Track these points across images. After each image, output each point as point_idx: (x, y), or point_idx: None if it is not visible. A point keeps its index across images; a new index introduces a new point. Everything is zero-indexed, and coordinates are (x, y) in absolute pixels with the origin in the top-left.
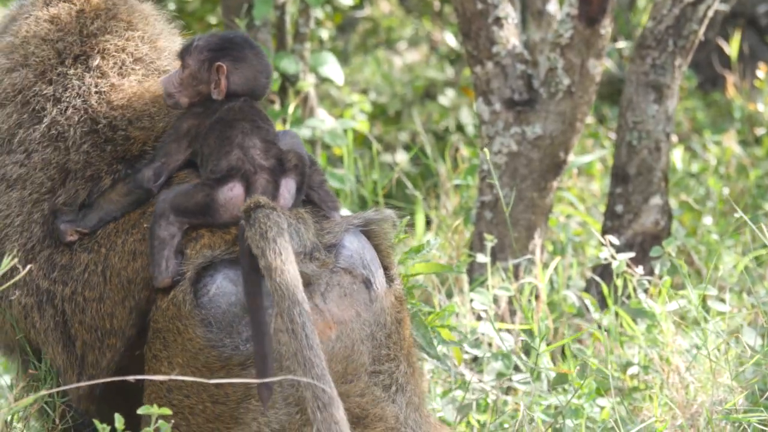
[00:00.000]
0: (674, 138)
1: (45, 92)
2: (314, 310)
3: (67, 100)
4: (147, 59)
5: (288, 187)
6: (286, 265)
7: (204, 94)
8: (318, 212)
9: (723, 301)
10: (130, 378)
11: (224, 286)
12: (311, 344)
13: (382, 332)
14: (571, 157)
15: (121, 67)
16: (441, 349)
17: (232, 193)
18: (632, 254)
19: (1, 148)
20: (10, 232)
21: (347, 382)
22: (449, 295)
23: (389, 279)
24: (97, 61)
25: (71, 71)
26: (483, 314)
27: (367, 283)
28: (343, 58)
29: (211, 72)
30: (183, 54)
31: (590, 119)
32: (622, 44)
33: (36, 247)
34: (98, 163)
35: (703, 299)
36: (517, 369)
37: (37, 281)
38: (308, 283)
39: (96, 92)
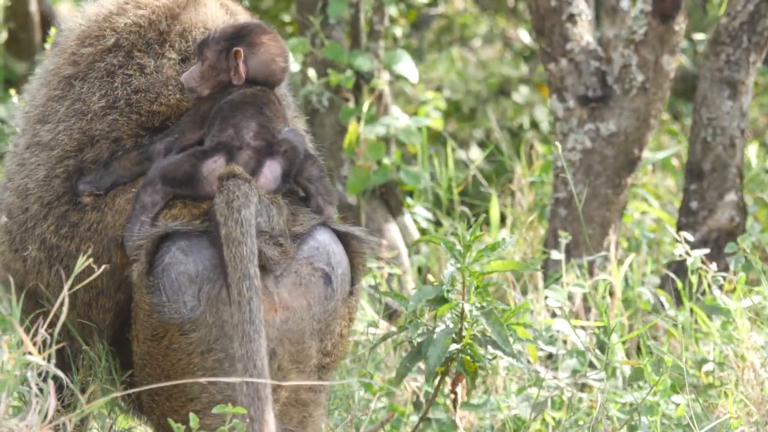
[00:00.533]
0: (749, 134)
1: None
2: (264, 290)
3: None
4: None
5: (271, 168)
6: (245, 237)
7: (225, 83)
8: (299, 204)
9: None
10: (202, 380)
11: (177, 257)
12: (253, 319)
13: (329, 340)
14: (646, 154)
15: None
16: (516, 346)
17: (215, 165)
18: (707, 251)
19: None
20: (32, 185)
21: (299, 368)
22: (524, 292)
23: (351, 292)
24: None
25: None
26: (558, 311)
27: (327, 279)
28: (418, 55)
29: (229, 59)
30: (201, 47)
31: (665, 115)
32: (700, 36)
33: (54, 202)
34: (123, 128)
35: None
36: (591, 366)
37: (48, 236)
38: (263, 264)
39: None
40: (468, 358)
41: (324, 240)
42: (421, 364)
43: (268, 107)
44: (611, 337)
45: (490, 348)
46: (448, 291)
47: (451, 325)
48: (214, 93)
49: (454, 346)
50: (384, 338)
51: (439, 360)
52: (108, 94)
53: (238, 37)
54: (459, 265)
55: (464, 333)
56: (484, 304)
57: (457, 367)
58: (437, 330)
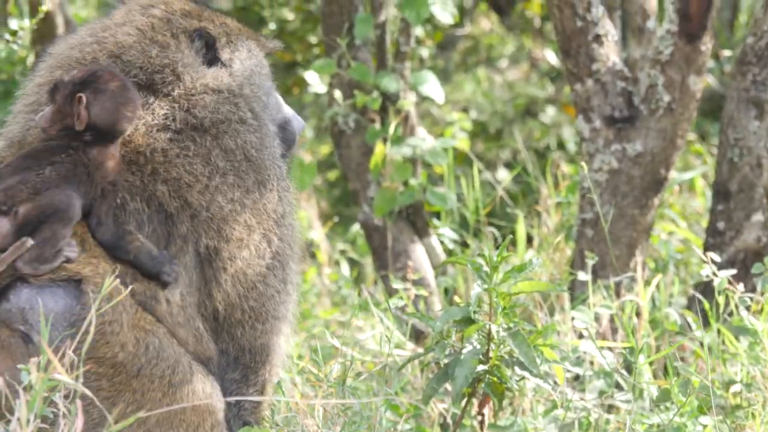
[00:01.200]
0: None
1: None
2: None
3: None
4: None
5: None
6: None
7: (70, 127)
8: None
9: None
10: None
11: None
12: None
13: None
14: (672, 174)
15: None
16: (543, 367)
17: None
18: (734, 271)
19: None
20: None
21: None
22: (551, 313)
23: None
24: None
25: None
26: (584, 332)
27: (26, 339)
28: (444, 76)
29: (73, 104)
30: (52, 91)
31: (691, 135)
32: (727, 53)
33: None
34: None
35: None
36: (618, 387)
37: None
38: None
39: None
40: (495, 379)
41: (17, 298)
42: (448, 386)
43: (47, 158)
44: (638, 358)
45: (517, 369)
46: (475, 312)
47: (478, 346)
48: (61, 135)
49: (481, 367)
50: (411, 359)
51: (466, 381)
52: None
53: (84, 82)
54: (486, 286)
55: (491, 354)
56: (511, 325)
57: (484, 389)
58: (464, 351)
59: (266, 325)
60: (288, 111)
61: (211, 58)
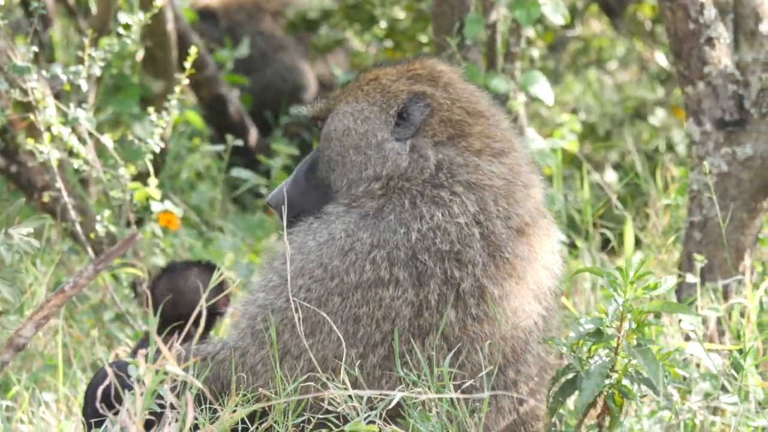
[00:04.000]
0: None
1: None
2: None
3: None
4: None
5: None
6: None
7: None
8: None
9: None
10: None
11: None
12: None
13: None
14: None
15: None
16: (669, 389)
17: None
18: None
19: None
20: None
21: None
22: (657, 315)
23: None
24: None
25: None
26: (692, 335)
27: None
28: (554, 77)
29: None
30: None
31: None
32: None
33: None
34: None
35: None
36: (724, 390)
37: None
38: None
39: None
40: (618, 393)
41: None
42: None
43: None
44: (745, 360)
45: (643, 386)
46: (607, 326)
47: (607, 360)
48: None
49: (606, 381)
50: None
51: (592, 394)
52: None
53: None
54: (621, 302)
55: (617, 368)
56: (641, 341)
57: (606, 401)
58: (593, 364)
59: None
60: None
61: None
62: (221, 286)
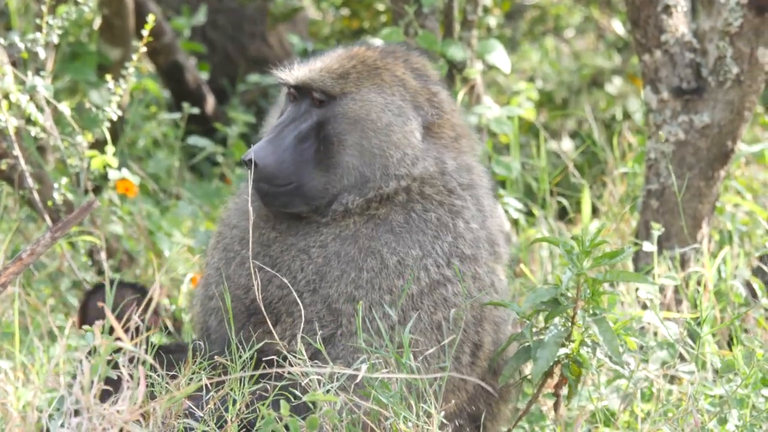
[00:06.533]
0: None
1: None
2: None
3: None
4: None
5: None
6: None
7: None
8: None
9: None
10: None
11: None
12: None
13: None
14: (739, 146)
15: None
16: (626, 357)
17: None
18: None
19: None
20: None
21: None
22: (613, 284)
23: None
24: None
25: None
26: (648, 303)
27: None
28: (511, 45)
29: None
30: None
31: (759, 108)
32: None
33: None
34: None
35: None
36: (682, 358)
37: None
38: None
39: None
40: (574, 363)
41: None
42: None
43: None
44: (702, 329)
45: (599, 355)
46: (562, 294)
47: (562, 329)
48: None
49: (562, 350)
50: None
51: (547, 363)
52: None
53: None
54: (577, 271)
55: (573, 338)
56: (597, 311)
57: (563, 371)
58: (548, 333)
59: None
60: None
61: None
62: (149, 304)
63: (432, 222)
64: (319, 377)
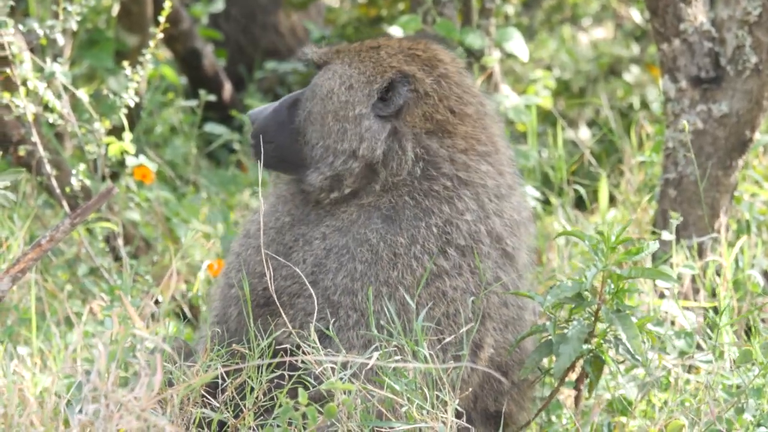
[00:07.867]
0: None
1: None
2: None
3: None
4: None
5: None
6: None
7: None
8: None
9: None
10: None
11: None
12: None
13: None
14: (757, 136)
15: None
16: (650, 355)
17: None
18: None
19: None
20: None
21: None
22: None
23: None
24: None
25: None
26: (666, 292)
27: None
28: (528, 34)
29: None
30: None
31: None
32: None
33: None
34: None
35: None
36: (699, 348)
37: None
38: None
39: None
40: (596, 359)
41: None
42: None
43: None
44: (720, 319)
45: (621, 351)
46: (586, 290)
47: (585, 324)
48: None
49: (585, 346)
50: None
51: (570, 359)
52: None
53: None
54: (602, 267)
55: (596, 333)
56: (621, 307)
57: (584, 366)
58: (571, 328)
59: None
60: None
61: None
62: None
63: (411, 206)
64: (332, 365)
